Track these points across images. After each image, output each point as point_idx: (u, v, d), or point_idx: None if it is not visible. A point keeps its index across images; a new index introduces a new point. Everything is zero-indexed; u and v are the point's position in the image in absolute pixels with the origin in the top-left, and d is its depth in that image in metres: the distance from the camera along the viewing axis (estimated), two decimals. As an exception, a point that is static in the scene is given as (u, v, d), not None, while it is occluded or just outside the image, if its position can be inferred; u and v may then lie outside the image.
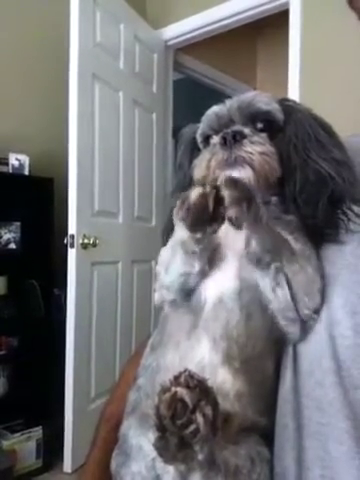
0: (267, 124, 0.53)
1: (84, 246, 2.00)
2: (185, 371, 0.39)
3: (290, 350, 0.50)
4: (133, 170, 2.39)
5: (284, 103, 0.55)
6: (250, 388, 0.47)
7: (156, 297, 0.53)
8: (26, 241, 2.03)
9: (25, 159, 2.00)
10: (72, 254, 1.96)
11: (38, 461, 2.00)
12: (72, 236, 1.95)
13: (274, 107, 0.53)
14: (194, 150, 0.58)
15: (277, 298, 0.47)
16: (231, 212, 0.43)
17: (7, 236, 1.99)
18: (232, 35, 2.86)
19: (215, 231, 0.45)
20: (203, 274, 0.50)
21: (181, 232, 0.47)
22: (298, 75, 2.23)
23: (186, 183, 0.56)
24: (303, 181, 0.50)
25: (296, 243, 0.49)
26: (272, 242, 0.46)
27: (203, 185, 0.44)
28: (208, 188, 0.43)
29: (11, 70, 2.17)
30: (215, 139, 0.53)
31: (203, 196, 0.43)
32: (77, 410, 1.98)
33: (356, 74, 1.95)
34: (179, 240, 0.48)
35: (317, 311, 0.47)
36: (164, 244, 0.54)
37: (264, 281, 0.47)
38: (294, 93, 2.23)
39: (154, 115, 2.62)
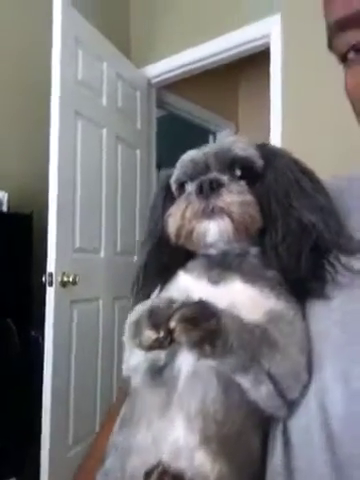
0: (245, 171, 0.49)
1: (63, 284, 1.94)
2: (158, 466, 0.34)
3: (279, 424, 0.45)
4: (115, 205, 2.37)
5: (263, 148, 0.52)
6: (233, 469, 0.42)
7: (124, 369, 0.49)
8: (2, 279, 1.96)
9: (3, 195, 1.96)
10: (50, 293, 1.90)
11: None
12: (50, 274, 1.89)
13: (252, 153, 0.50)
14: (168, 196, 0.54)
15: (259, 393, 0.42)
16: (195, 356, 0.41)
17: (-17, 274, 1.92)
18: (215, 73, 2.92)
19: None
20: (175, 354, 0.46)
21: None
22: (280, 112, 2.26)
23: (158, 232, 0.52)
24: (284, 230, 0.46)
25: (277, 301, 0.45)
26: (247, 355, 0.41)
27: (157, 324, 0.41)
28: (162, 333, 0.40)
29: (-8, 106, 2.16)
30: (191, 187, 0.49)
31: (157, 340, 0.40)
32: (54, 458, 1.87)
33: (337, 113, 1.98)
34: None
35: (306, 386, 0.43)
36: (133, 301, 0.49)
37: (242, 380, 0.43)
38: (276, 129, 2.26)
39: (138, 151, 2.62)
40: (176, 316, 0.40)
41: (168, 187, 0.54)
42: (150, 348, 0.41)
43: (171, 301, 0.43)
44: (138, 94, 2.63)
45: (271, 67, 2.31)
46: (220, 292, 0.46)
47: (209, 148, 0.50)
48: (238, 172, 0.49)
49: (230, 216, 0.46)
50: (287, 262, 0.46)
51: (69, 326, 2.00)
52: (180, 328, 0.39)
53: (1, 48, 2.18)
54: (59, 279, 1.91)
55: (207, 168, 0.49)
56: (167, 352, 0.45)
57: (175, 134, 3.28)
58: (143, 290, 0.52)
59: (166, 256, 0.52)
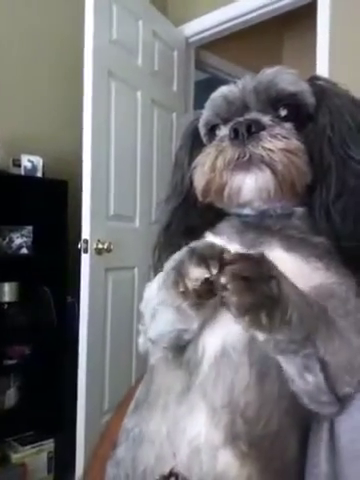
0: (293, 110, 0.40)
1: (98, 251, 1.91)
2: (170, 476, 0.27)
3: (325, 424, 0.37)
4: (151, 172, 2.30)
5: (315, 83, 0.42)
6: (264, 478, 0.35)
7: (140, 344, 0.42)
8: (38, 246, 1.96)
9: (38, 161, 1.93)
10: (85, 260, 1.88)
11: (49, 475, 1.92)
12: (86, 241, 1.87)
13: (302, 88, 0.40)
14: (196, 144, 0.45)
15: (305, 382, 0.34)
16: (246, 327, 0.32)
17: (19, 241, 1.92)
18: (257, 30, 2.74)
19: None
20: (203, 328, 0.38)
21: (173, 299, 0.35)
22: (327, 71, 2.09)
23: (183, 187, 0.44)
24: (339, 186, 0.38)
25: (327, 273, 0.36)
26: (302, 331, 0.33)
27: (206, 259, 0.32)
28: (214, 271, 0.32)
29: (24, 68, 2.11)
30: (223, 130, 0.40)
31: (207, 282, 0.32)
32: (89, 423, 1.89)
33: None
34: (171, 302, 0.36)
35: None
36: (154, 267, 0.42)
37: (287, 365, 0.34)
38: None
39: (174, 115, 2.51)
40: (228, 270, 0.32)
41: (196, 132, 0.45)
42: (199, 294, 0.33)
43: (213, 245, 0.35)
44: (175, 54, 2.51)
45: (318, 22, 2.11)
46: None
47: (247, 82, 0.41)
48: (283, 112, 0.40)
49: (272, 168, 0.37)
50: (340, 226, 0.38)
51: (104, 293, 1.98)
52: (233, 287, 0.31)
53: (34, 7, 2.11)
54: (94, 246, 1.89)
55: (244, 107, 0.40)
56: (194, 329, 0.38)
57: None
58: (164, 255, 0.45)
59: (192, 215, 0.44)
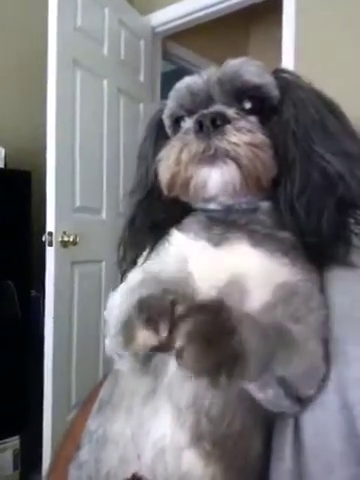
0: (257, 103, 0.39)
1: (64, 244, 1.87)
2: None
3: (289, 420, 0.37)
4: (118, 163, 2.26)
5: (280, 76, 0.41)
6: (229, 476, 0.34)
7: (107, 345, 0.41)
8: (1, 239, 1.90)
9: (0, 151, 1.87)
10: (50, 253, 1.83)
11: (15, 473, 1.88)
12: (50, 233, 1.82)
13: (267, 80, 0.40)
14: (160, 136, 0.44)
15: (265, 395, 0.34)
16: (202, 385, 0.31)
17: (-20, 234, 1.86)
18: (224, 23, 2.73)
19: None
20: None
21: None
22: (292, 64, 2.11)
23: (149, 181, 0.43)
24: (304, 181, 0.37)
25: (292, 270, 0.36)
26: (260, 366, 0.31)
27: (155, 319, 0.29)
28: (163, 332, 0.29)
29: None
30: (188, 123, 0.39)
31: (157, 347, 0.30)
32: (56, 419, 1.86)
33: (356, 67, 1.84)
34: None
35: (324, 378, 0.35)
36: (119, 264, 0.41)
37: (247, 386, 0.34)
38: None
39: (141, 105, 2.48)
40: (183, 329, 0.28)
41: (161, 123, 0.44)
42: (150, 355, 0.32)
43: (165, 291, 0.33)
44: (142, 43, 2.47)
45: (283, 16, 2.12)
46: (222, 256, 0.38)
47: (211, 73, 0.40)
48: (248, 104, 0.39)
49: (237, 162, 0.36)
50: (305, 221, 0.37)
51: (70, 287, 1.94)
52: (190, 351, 0.28)
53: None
54: (59, 239, 1.85)
55: (209, 98, 0.39)
56: None
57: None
58: (130, 252, 0.44)
59: (157, 210, 0.43)
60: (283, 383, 0.34)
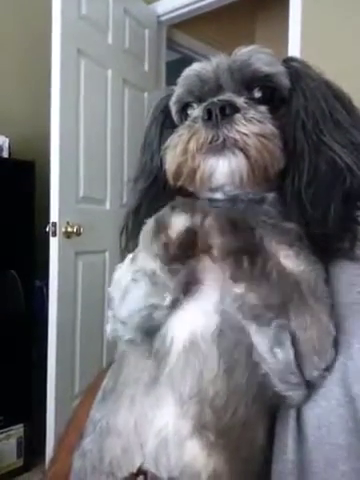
0: (267, 93, 0.39)
1: (67, 234, 1.87)
2: (139, 474, 0.27)
3: (291, 411, 0.37)
4: (122, 153, 2.25)
5: (291, 64, 0.40)
6: (231, 467, 0.34)
7: (108, 330, 0.40)
8: (5, 229, 1.90)
9: (4, 141, 1.87)
10: (54, 243, 1.84)
11: (19, 460, 1.90)
12: (54, 224, 1.82)
13: (278, 69, 0.39)
14: (166, 123, 0.44)
15: (275, 359, 0.34)
16: (227, 269, 0.32)
17: (-16, 223, 1.86)
18: (230, 11, 2.70)
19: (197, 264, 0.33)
20: (175, 308, 0.37)
21: (150, 262, 0.34)
22: (299, 53, 2.09)
23: (154, 168, 0.42)
24: (312, 172, 0.37)
25: (296, 261, 0.36)
26: (279, 294, 0.32)
27: (188, 211, 0.31)
28: (198, 219, 0.31)
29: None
30: (196, 110, 0.39)
31: (189, 232, 0.31)
32: (60, 407, 1.87)
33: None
34: (145, 270, 0.35)
35: (329, 368, 0.35)
36: (121, 252, 0.41)
37: (260, 337, 0.34)
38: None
39: (146, 95, 2.46)
40: (212, 214, 0.31)
41: (167, 110, 0.43)
42: (181, 246, 0.32)
43: (194, 201, 0.36)
44: (147, 32, 2.45)
45: (290, 4, 2.10)
46: None
47: (221, 60, 0.39)
48: (258, 94, 0.39)
49: (245, 152, 0.36)
50: (311, 213, 0.37)
51: (74, 277, 1.95)
52: (218, 227, 0.31)
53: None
54: (63, 229, 1.85)
55: (218, 86, 0.39)
56: (167, 306, 0.36)
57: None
58: (132, 241, 0.43)
59: (162, 199, 0.42)
60: (294, 345, 0.33)
